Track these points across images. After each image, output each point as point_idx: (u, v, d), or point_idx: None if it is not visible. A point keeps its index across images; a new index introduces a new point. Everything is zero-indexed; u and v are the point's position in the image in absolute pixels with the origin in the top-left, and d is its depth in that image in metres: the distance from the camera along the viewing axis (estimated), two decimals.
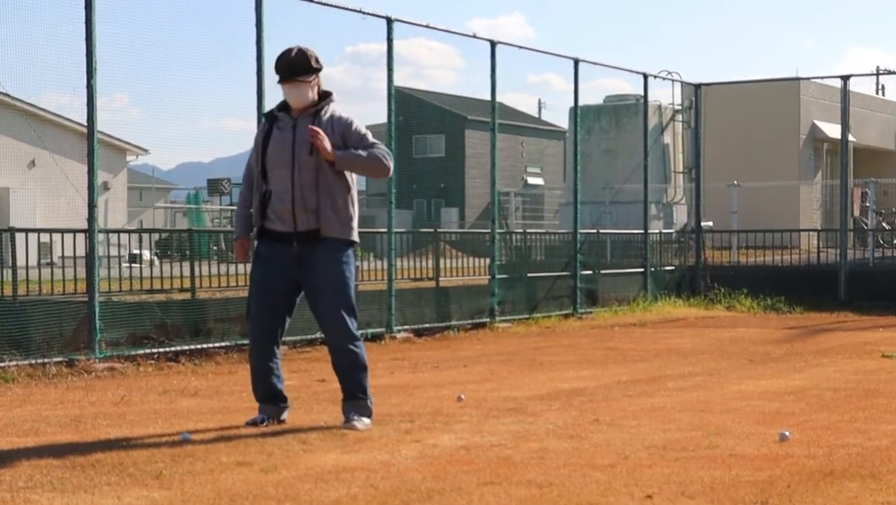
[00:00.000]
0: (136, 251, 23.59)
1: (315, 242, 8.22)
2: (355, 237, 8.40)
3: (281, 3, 14.71)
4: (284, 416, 8.51)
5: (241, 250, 8.49)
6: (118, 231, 23.67)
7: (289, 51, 8.28)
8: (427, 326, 17.21)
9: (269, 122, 8.43)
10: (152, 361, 12.99)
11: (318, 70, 8.32)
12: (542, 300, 20.05)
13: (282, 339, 8.59)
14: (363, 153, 8.27)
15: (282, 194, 8.21)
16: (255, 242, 8.51)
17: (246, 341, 14.01)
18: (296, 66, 8.23)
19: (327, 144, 8.09)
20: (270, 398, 8.48)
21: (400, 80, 16.31)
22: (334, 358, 8.50)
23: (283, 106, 8.41)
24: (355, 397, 8.42)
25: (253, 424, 8.34)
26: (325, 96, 8.38)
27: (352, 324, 8.39)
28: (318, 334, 15.21)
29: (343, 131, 8.30)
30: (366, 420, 8.33)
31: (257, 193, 8.33)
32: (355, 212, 8.39)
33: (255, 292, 8.44)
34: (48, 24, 13.29)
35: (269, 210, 8.27)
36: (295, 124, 8.27)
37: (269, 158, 8.26)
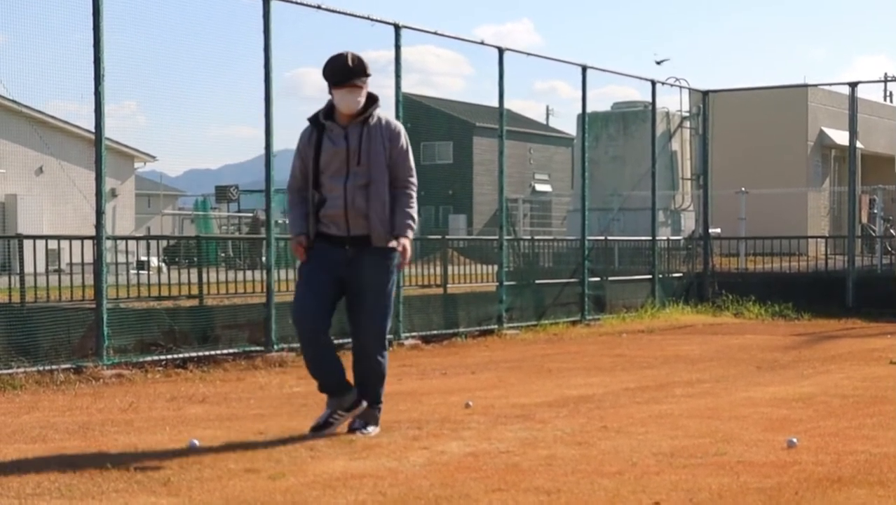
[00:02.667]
0: (143, 258, 23.57)
1: (365, 247, 8.28)
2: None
3: (288, 10, 14.71)
4: (352, 395, 8.41)
5: (299, 247, 8.42)
6: (126, 238, 23.66)
7: (342, 55, 8.24)
8: (435, 332, 17.20)
9: (317, 130, 8.37)
10: (160, 368, 13.00)
11: (369, 76, 8.32)
12: (549, 307, 20.03)
13: (329, 327, 8.50)
14: (410, 213, 8.37)
15: (335, 200, 8.23)
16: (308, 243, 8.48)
17: (254, 348, 14.10)
18: (353, 70, 8.19)
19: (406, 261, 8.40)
20: (339, 384, 8.42)
21: (408, 87, 16.28)
22: (358, 363, 8.54)
23: (328, 113, 8.37)
24: (369, 405, 8.46)
25: (336, 417, 8.32)
26: (372, 101, 8.36)
27: (384, 334, 8.50)
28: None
29: (390, 141, 8.32)
30: (372, 428, 8.36)
31: (310, 201, 8.34)
32: None
33: (303, 288, 8.43)
34: (56, 31, 13.32)
35: (322, 215, 8.29)
36: (346, 134, 8.27)
37: (323, 169, 8.27)
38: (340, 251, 8.29)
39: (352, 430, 8.33)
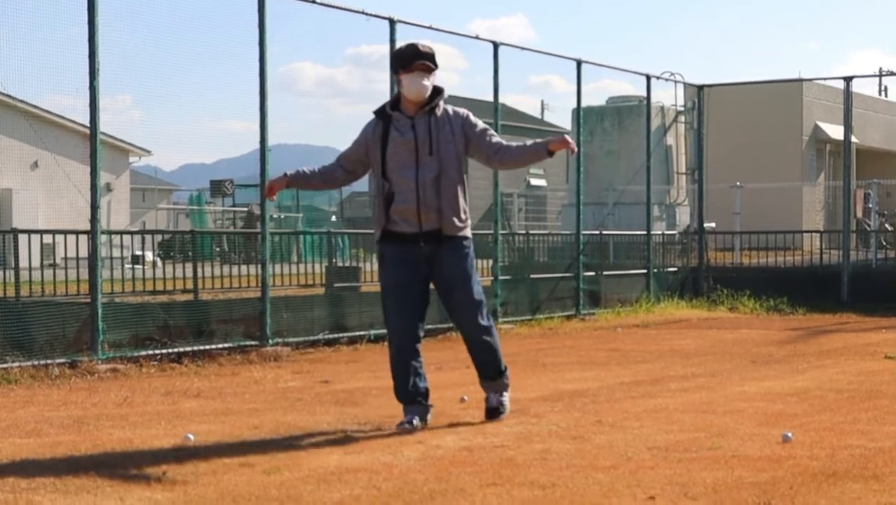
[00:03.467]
0: (138, 252, 23.58)
1: (439, 241, 8.33)
2: (469, 233, 8.55)
3: (284, 4, 14.71)
4: (429, 416, 8.48)
5: (272, 184, 8.62)
6: (121, 232, 23.70)
7: (413, 43, 8.38)
8: (430, 327, 17.10)
9: (383, 121, 8.40)
10: (155, 363, 12.99)
11: (437, 67, 8.37)
12: (544, 301, 20.03)
13: (423, 334, 8.61)
14: (528, 145, 8.54)
15: (405, 195, 8.26)
16: (377, 246, 8.55)
17: (249, 343, 14.10)
18: (423, 53, 8.27)
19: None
20: (417, 399, 8.43)
21: None
22: (472, 348, 8.72)
23: (394, 104, 8.40)
24: (495, 378, 8.76)
25: (407, 424, 8.27)
26: (437, 92, 8.40)
27: (483, 313, 8.59)
28: (321, 335, 15.29)
29: (463, 126, 8.44)
30: (506, 396, 8.79)
31: (379, 195, 8.37)
32: (468, 209, 8.54)
33: (393, 296, 8.45)
34: (51, 25, 13.30)
35: (393, 211, 8.31)
36: (413, 124, 8.31)
37: (390, 160, 8.29)
38: (415, 249, 8.33)
39: (492, 408, 8.70)
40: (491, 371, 8.75)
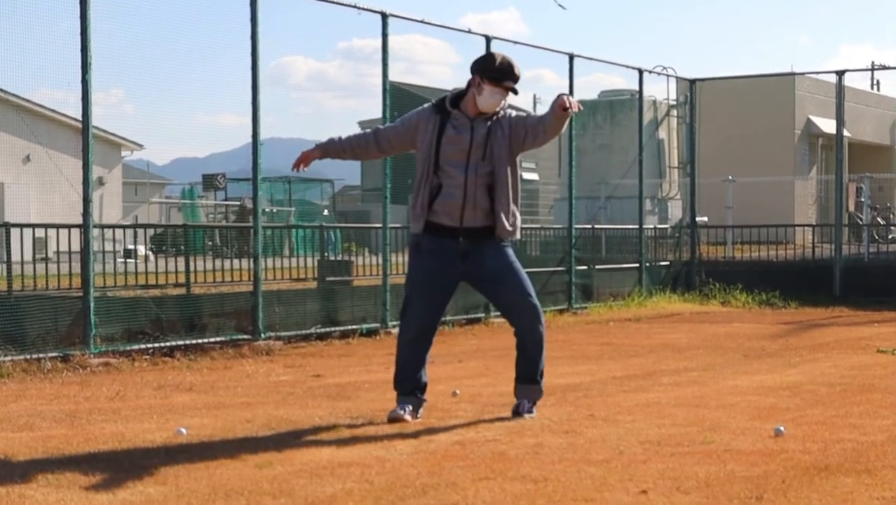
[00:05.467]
0: (131, 246, 23.53)
1: (481, 239, 8.29)
2: (518, 235, 8.53)
3: None
4: (422, 410, 8.46)
5: (306, 155, 8.51)
6: (113, 226, 23.64)
7: (508, 59, 8.34)
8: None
9: (440, 115, 8.36)
10: (147, 357, 12.98)
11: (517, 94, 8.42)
12: (537, 295, 19.99)
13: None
14: (548, 114, 8.35)
15: (453, 190, 8.23)
16: (413, 237, 8.51)
17: (241, 336, 14.09)
18: (515, 75, 8.30)
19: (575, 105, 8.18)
20: (415, 392, 8.43)
21: (395, 76, 16.26)
22: (524, 339, 8.65)
23: (455, 102, 8.37)
24: (532, 382, 8.66)
25: (397, 413, 8.27)
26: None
27: (538, 306, 8.59)
28: (314, 330, 15.28)
29: (510, 124, 8.36)
30: (535, 409, 8.60)
31: (426, 185, 8.31)
32: (518, 212, 8.49)
33: (421, 286, 8.43)
34: (43, 19, 13.27)
35: (437, 204, 8.28)
36: (472, 126, 8.29)
37: (443, 155, 8.26)
38: (453, 244, 8.29)
39: (518, 413, 8.53)
40: (532, 370, 8.64)
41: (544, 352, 8.71)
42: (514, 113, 8.51)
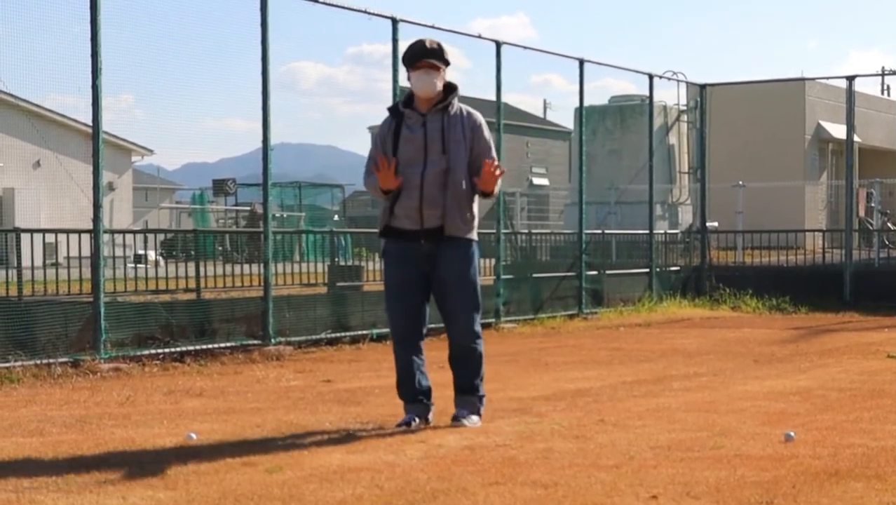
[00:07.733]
0: (141, 252, 23.60)
1: (440, 240, 8.24)
2: (476, 235, 8.44)
3: (286, 3, 14.73)
4: (431, 415, 8.43)
5: (386, 171, 8.16)
6: (123, 231, 23.68)
7: (421, 40, 8.31)
8: (431, 326, 17.14)
9: (395, 118, 8.36)
10: (157, 362, 13.00)
11: (448, 64, 8.33)
12: (547, 301, 20.02)
13: (425, 332, 8.59)
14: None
15: (410, 191, 8.19)
16: (382, 241, 8.51)
17: (252, 342, 14.10)
18: (429, 51, 8.23)
19: (498, 185, 8.24)
20: (419, 398, 8.40)
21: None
22: (454, 353, 8.53)
23: (408, 101, 8.37)
24: (469, 393, 8.49)
25: (405, 424, 8.25)
26: (450, 90, 8.36)
27: (476, 321, 8.47)
28: (324, 335, 15.29)
29: (473, 132, 8.31)
30: (475, 418, 8.39)
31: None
32: (476, 211, 8.42)
33: (395, 292, 8.43)
34: (53, 24, 13.30)
35: (398, 207, 8.25)
36: (425, 122, 8.27)
37: (402, 157, 8.22)
38: (416, 247, 8.27)
39: (456, 418, 8.36)
40: (467, 384, 8.48)
41: (481, 369, 8.52)
42: (480, 120, 8.42)
